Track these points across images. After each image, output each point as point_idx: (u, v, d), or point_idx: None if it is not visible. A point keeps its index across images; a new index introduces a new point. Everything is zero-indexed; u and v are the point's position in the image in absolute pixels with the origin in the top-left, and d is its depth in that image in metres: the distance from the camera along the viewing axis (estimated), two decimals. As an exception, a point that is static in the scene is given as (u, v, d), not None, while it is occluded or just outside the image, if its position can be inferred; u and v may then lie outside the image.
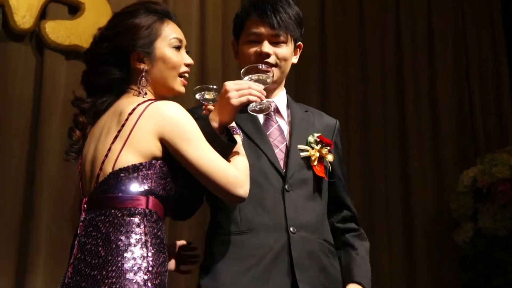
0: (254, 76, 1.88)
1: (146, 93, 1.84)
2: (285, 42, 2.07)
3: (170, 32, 1.88)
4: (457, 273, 4.26)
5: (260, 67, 1.91)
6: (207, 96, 1.95)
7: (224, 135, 1.83)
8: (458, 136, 4.59)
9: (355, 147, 4.20)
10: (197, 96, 1.96)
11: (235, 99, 1.82)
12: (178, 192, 1.82)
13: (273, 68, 2.03)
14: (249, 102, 1.84)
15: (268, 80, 1.90)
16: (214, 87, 1.95)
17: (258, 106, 1.87)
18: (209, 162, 1.73)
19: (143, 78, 1.83)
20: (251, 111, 1.87)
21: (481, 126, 4.62)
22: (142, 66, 1.83)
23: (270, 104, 1.90)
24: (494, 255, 3.99)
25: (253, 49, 2.04)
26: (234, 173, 1.76)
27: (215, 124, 1.82)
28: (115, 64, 1.83)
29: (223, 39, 3.82)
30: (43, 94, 3.20)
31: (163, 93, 1.89)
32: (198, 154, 1.73)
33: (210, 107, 1.92)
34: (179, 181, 1.80)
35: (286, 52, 2.08)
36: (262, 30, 2.05)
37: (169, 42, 1.87)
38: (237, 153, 1.84)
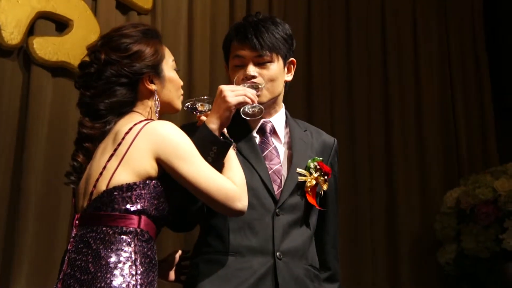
0: (247, 84, 1.97)
1: (157, 114, 1.88)
2: (271, 62, 2.06)
3: (169, 55, 1.95)
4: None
5: (247, 75, 2.00)
6: (200, 108, 1.98)
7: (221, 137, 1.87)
8: (443, 157, 4.64)
9: (341, 166, 4.20)
10: (188, 104, 1.98)
11: (232, 97, 1.87)
12: (180, 205, 1.85)
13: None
14: (244, 103, 1.88)
15: (259, 88, 1.97)
16: (206, 97, 1.99)
17: (251, 109, 1.91)
18: (206, 178, 1.76)
19: (158, 100, 1.87)
20: (243, 113, 1.92)
21: (465, 147, 4.67)
22: (154, 87, 1.87)
23: (262, 109, 1.93)
24: (477, 276, 4.02)
25: (240, 74, 2.03)
26: (232, 187, 1.78)
27: (212, 125, 1.86)
28: (127, 86, 1.85)
29: (211, 57, 3.84)
30: (29, 110, 3.19)
31: (164, 112, 1.94)
32: (194, 172, 1.75)
33: (203, 117, 1.95)
34: (173, 201, 1.80)
35: (273, 72, 2.06)
36: (244, 53, 2.05)
37: (171, 64, 1.95)
38: (233, 166, 1.86)
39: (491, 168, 4.19)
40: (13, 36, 3.16)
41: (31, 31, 3.26)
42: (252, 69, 2.03)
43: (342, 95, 4.42)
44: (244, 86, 1.94)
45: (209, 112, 1.93)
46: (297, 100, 4.18)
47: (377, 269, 4.26)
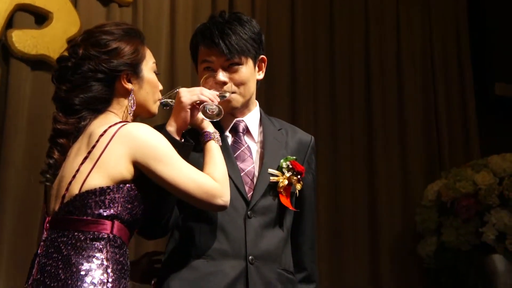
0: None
1: (132, 115, 1.85)
2: (241, 64, 2.02)
3: (150, 57, 1.93)
4: (422, 286, 4.32)
5: (217, 82, 1.97)
6: (171, 103, 1.97)
7: (181, 139, 1.87)
8: (424, 150, 4.65)
9: (322, 161, 4.22)
10: (162, 101, 1.97)
11: (186, 98, 1.86)
12: (152, 211, 1.83)
13: (232, 95, 2.01)
14: (199, 101, 1.87)
15: (225, 97, 1.97)
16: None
17: (210, 109, 1.89)
18: (184, 178, 1.75)
19: (133, 99, 1.85)
20: (203, 114, 1.90)
21: (447, 140, 4.69)
22: (131, 86, 1.85)
23: (221, 110, 1.91)
24: (457, 269, 4.05)
25: (209, 80, 1.99)
26: (211, 184, 1.78)
27: (170, 128, 1.86)
28: (104, 83, 1.82)
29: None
30: (8, 104, 3.16)
31: (140, 115, 1.92)
32: (173, 172, 1.75)
33: None
34: (146, 205, 1.79)
35: (244, 75, 2.02)
36: (213, 58, 2.01)
37: (151, 66, 1.93)
38: (215, 161, 1.85)
39: (472, 161, 4.22)
40: (-9, 29, 3.13)
41: (9, 23, 3.23)
42: (221, 75, 2.00)
43: (325, 91, 4.40)
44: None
45: None
46: (282, 100, 4.17)
47: (358, 262, 4.27)
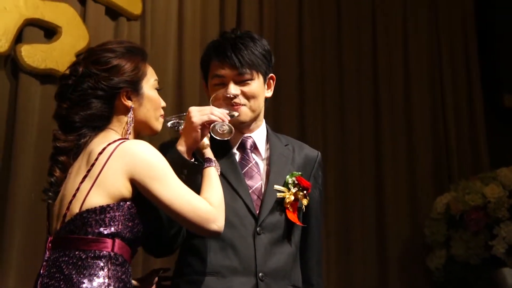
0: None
1: (130, 133, 1.85)
2: (252, 79, 2.04)
3: (151, 74, 1.93)
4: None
5: (228, 95, 1.98)
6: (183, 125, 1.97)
7: (191, 158, 1.86)
8: (432, 161, 4.64)
9: (332, 172, 4.22)
10: (169, 124, 1.97)
11: (196, 118, 1.86)
12: (157, 227, 1.82)
13: (242, 108, 2.03)
14: (210, 121, 1.87)
15: (235, 114, 1.96)
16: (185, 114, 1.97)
17: (221, 128, 1.90)
18: (180, 199, 1.74)
19: (132, 116, 1.85)
20: (213, 133, 1.91)
21: (455, 152, 4.67)
22: (130, 103, 1.85)
23: (232, 128, 1.92)
24: (466, 282, 4.02)
25: (219, 92, 2.01)
26: (207, 208, 1.76)
27: (181, 148, 1.86)
28: (103, 100, 1.83)
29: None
30: (18, 118, 3.17)
31: (142, 132, 1.92)
32: (169, 193, 1.73)
33: None
34: (147, 222, 1.79)
35: (254, 89, 2.05)
36: (225, 71, 2.03)
37: (152, 83, 1.92)
38: (212, 186, 1.84)
39: (481, 174, 4.20)
40: (0, 44, 3.15)
41: (19, 38, 3.24)
42: (233, 88, 2.02)
43: (334, 101, 4.41)
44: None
45: None
46: (290, 100, 4.17)
47: (367, 273, 4.26)
